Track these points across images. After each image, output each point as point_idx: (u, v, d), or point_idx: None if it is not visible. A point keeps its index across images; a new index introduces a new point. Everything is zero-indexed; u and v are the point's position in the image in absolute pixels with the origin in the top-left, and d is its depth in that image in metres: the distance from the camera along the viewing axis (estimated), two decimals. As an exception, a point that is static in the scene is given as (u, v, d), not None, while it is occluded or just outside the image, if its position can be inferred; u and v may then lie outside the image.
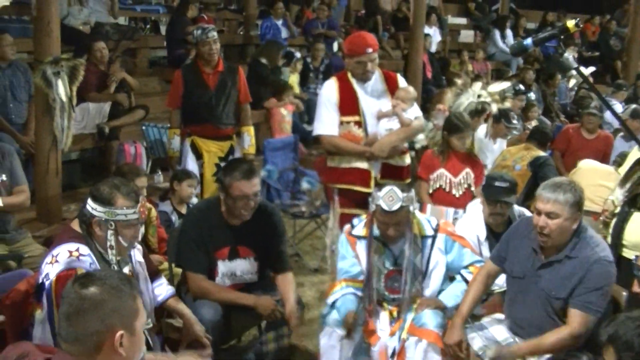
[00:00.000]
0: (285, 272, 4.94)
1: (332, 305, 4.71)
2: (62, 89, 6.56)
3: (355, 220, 4.92)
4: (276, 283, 4.92)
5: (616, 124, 10.19)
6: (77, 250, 3.65)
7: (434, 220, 4.87)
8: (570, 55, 3.86)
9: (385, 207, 4.48)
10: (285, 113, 10.31)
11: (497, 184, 5.16)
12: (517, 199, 5.64)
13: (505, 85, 8.32)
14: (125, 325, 2.48)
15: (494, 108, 7.76)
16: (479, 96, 7.83)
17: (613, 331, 2.73)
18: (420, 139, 7.69)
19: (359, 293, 4.73)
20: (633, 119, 8.43)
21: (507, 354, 4.12)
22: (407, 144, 6.01)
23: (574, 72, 3.90)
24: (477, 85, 7.94)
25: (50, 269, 3.59)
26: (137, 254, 4.07)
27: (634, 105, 9.29)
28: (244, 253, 4.83)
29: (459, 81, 8.07)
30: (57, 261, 3.60)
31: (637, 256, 3.81)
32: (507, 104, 8.07)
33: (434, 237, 4.74)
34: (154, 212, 5.83)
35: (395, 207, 4.48)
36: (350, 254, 4.82)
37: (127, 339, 2.47)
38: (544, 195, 4.12)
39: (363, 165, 5.68)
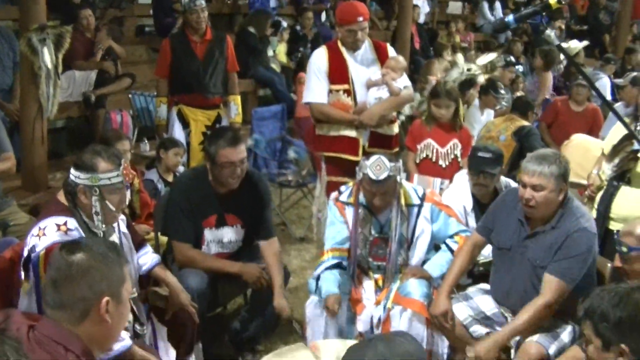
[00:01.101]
0: (270, 238, 4.94)
1: (318, 278, 4.73)
2: (47, 56, 6.50)
3: (342, 187, 4.92)
4: (261, 250, 4.92)
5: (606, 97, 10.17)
6: (65, 224, 3.62)
7: (421, 189, 4.86)
8: (552, 32, 3.84)
9: (373, 176, 4.47)
10: None
11: (480, 154, 5.15)
12: (503, 169, 5.63)
13: (492, 56, 8.35)
14: (112, 293, 2.47)
15: (481, 79, 7.77)
16: (468, 69, 7.85)
17: (589, 305, 2.74)
18: (404, 110, 7.69)
19: (345, 262, 4.75)
20: (633, 86, 8.39)
21: (487, 347, 4.07)
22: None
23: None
24: (461, 59, 7.97)
25: (37, 242, 3.56)
26: (121, 224, 4.04)
27: (635, 73, 9.26)
28: (232, 221, 4.83)
29: (447, 57, 8.11)
30: (44, 234, 3.56)
31: (618, 231, 3.82)
32: (495, 74, 8.08)
33: (420, 206, 4.74)
34: (136, 179, 5.81)
35: (383, 176, 4.47)
36: (339, 219, 4.81)
37: (113, 306, 2.47)
38: (529, 168, 4.11)
39: (352, 133, 5.68)
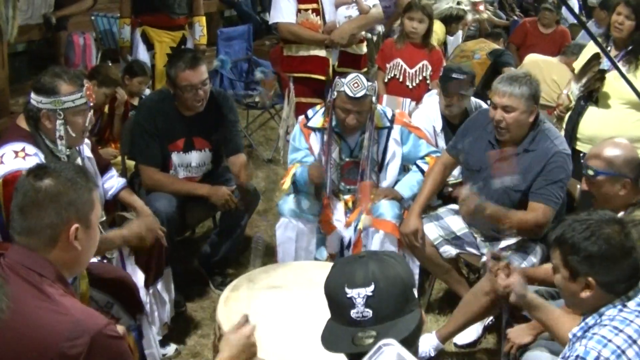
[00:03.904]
0: (238, 153, 4.92)
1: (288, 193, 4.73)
2: (5, -24, 6.30)
3: (309, 112, 4.87)
4: (229, 164, 4.93)
5: (572, 19, 10.15)
6: (23, 150, 3.53)
7: (390, 111, 4.84)
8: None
9: (350, 93, 4.44)
10: None
11: (454, 75, 5.10)
12: (476, 87, 5.61)
13: None
14: (81, 218, 2.42)
15: (470, 17, 7.80)
16: (458, 2, 7.86)
17: (560, 233, 2.72)
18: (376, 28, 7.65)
19: None
20: (601, 9, 8.37)
21: (478, 206, 4.09)
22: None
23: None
24: None
25: None
26: (85, 149, 3.96)
27: None
28: (200, 144, 4.78)
29: None
30: (2, 162, 3.49)
31: (585, 154, 3.83)
32: (485, 16, 8.15)
33: (389, 128, 4.73)
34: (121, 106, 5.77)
35: (360, 94, 4.44)
36: (304, 145, 4.78)
37: (82, 232, 2.42)
38: (500, 89, 4.10)
39: (321, 53, 5.65)
